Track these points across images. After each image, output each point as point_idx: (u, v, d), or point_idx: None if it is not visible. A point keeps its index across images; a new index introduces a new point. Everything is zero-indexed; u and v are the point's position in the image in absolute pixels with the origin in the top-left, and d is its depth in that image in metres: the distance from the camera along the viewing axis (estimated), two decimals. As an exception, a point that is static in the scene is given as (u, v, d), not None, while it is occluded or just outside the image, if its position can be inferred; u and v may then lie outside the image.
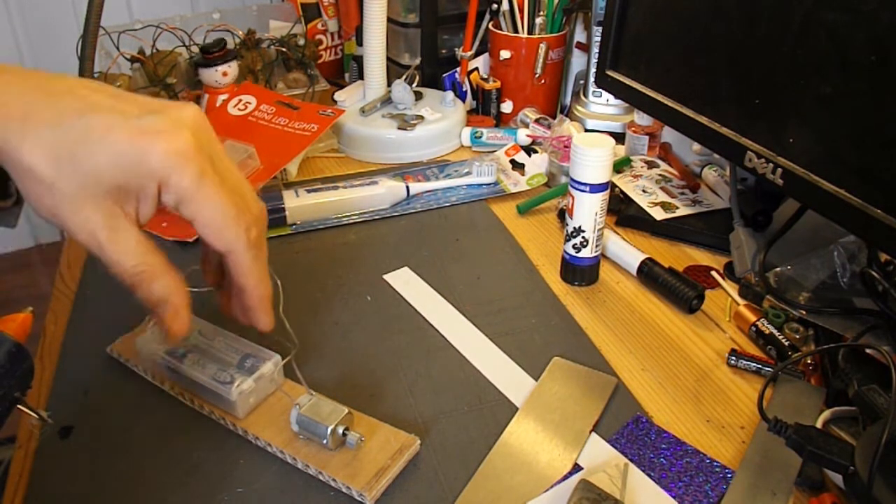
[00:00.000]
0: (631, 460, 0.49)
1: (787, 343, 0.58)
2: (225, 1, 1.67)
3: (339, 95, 0.99)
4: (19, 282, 2.09)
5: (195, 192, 0.42)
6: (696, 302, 0.64)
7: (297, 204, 0.78)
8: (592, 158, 0.62)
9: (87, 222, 0.42)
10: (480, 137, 0.96)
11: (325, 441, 0.47)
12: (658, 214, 0.77)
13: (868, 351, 0.53)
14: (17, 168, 0.40)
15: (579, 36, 1.04)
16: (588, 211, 0.65)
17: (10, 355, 0.37)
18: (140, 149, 0.40)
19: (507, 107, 1.02)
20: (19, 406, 0.39)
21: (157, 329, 0.55)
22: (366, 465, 0.47)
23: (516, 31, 0.99)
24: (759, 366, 0.57)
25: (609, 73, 0.78)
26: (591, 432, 0.51)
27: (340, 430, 0.47)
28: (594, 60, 0.94)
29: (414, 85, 0.99)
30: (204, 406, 0.52)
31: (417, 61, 1.06)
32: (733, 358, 0.58)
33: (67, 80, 0.42)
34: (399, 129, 0.92)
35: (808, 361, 0.57)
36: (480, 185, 0.86)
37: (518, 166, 0.89)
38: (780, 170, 0.58)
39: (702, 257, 0.73)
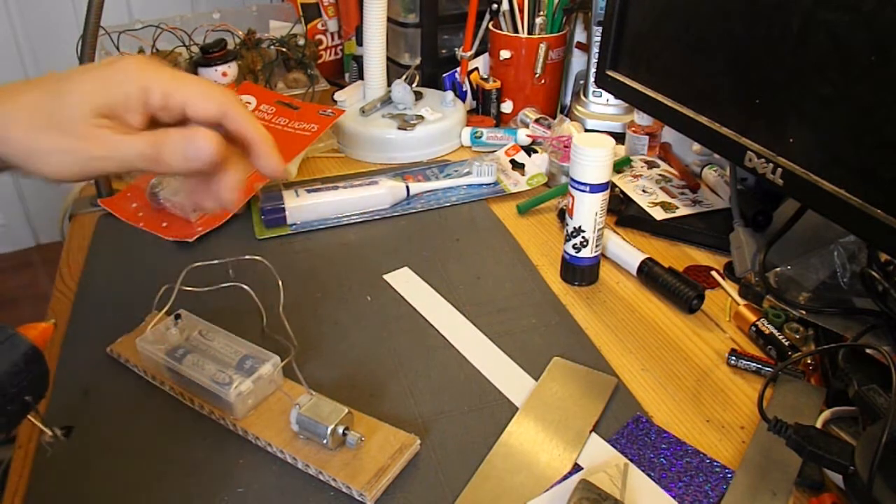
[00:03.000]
0: (631, 460, 0.49)
1: (787, 343, 0.58)
2: (225, 1, 1.67)
3: (339, 95, 0.99)
4: (19, 282, 2.08)
5: (175, 78, 0.46)
6: (696, 302, 0.64)
7: (297, 204, 0.78)
8: (592, 158, 0.62)
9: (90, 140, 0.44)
10: (480, 137, 0.96)
11: (325, 441, 0.47)
12: (658, 214, 0.77)
13: (868, 351, 0.53)
14: (17, 147, 0.43)
15: (579, 36, 1.04)
16: (588, 211, 0.65)
17: (25, 357, 0.38)
18: (115, 69, 0.45)
19: (507, 107, 1.02)
20: (31, 418, 0.40)
21: (157, 329, 0.55)
22: (366, 464, 0.47)
23: (516, 31, 0.99)
24: (759, 366, 0.57)
25: (609, 73, 0.78)
26: (591, 432, 0.51)
27: (340, 430, 0.47)
28: (594, 60, 0.94)
29: (414, 85, 0.99)
30: (204, 406, 0.52)
31: (417, 61, 1.06)
32: (733, 358, 0.58)
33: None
34: (399, 129, 0.92)
35: (808, 361, 0.57)
36: (480, 185, 0.86)
37: (518, 166, 0.89)
38: (780, 170, 0.58)
39: (702, 257, 0.73)
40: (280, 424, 0.50)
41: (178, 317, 0.56)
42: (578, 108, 1.00)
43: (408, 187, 0.83)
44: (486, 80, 1.02)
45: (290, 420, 0.49)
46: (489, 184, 0.86)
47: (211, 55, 0.93)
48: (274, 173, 0.50)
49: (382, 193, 0.81)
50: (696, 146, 0.87)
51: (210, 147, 0.47)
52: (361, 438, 0.48)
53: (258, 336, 0.60)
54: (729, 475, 0.48)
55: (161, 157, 0.46)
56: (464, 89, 1.05)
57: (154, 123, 0.47)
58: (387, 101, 0.97)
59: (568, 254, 0.68)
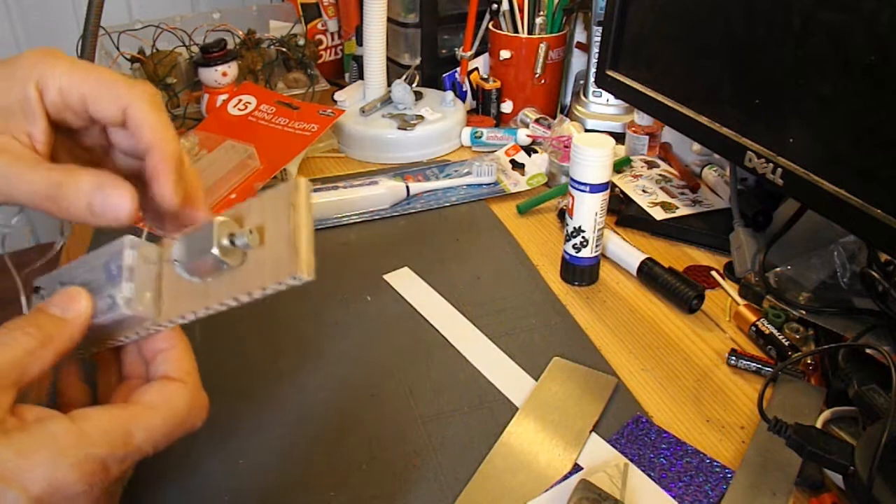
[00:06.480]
0: (631, 460, 0.49)
1: (787, 343, 0.58)
2: (225, 1, 1.67)
3: (339, 95, 0.99)
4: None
5: (71, 71, 0.38)
6: (696, 302, 0.64)
7: (297, 204, 0.77)
8: (592, 158, 0.62)
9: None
10: (480, 137, 0.96)
11: (224, 266, 0.37)
12: (658, 214, 0.77)
13: (868, 351, 0.53)
14: None
15: (579, 36, 1.04)
16: (588, 211, 0.65)
17: None
18: (11, 67, 0.37)
19: (507, 107, 1.02)
20: None
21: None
22: (277, 249, 0.36)
23: (516, 31, 0.99)
24: (759, 366, 0.57)
25: (609, 73, 0.78)
26: (591, 432, 0.51)
27: (227, 242, 0.37)
28: (594, 60, 0.94)
29: (414, 85, 0.99)
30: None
31: (417, 61, 1.06)
32: (733, 358, 0.58)
33: None
34: (399, 129, 0.92)
35: (808, 361, 0.57)
36: (480, 185, 0.86)
37: (518, 166, 0.89)
38: (780, 170, 0.58)
39: (702, 257, 0.73)
40: (186, 290, 0.40)
41: (37, 290, 0.44)
42: (578, 108, 1.00)
43: (408, 187, 0.83)
44: (486, 80, 1.02)
45: (181, 278, 0.40)
46: (489, 184, 0.86)
47: (211, 55, 0.93)
48: (163, 201, 0.41)
49: (382, 193, 0.81)
50: (696, 146, 0.87)
51: (124, 208, 0.39)
52: (251, 232, 0.37)
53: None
54: (729, 475, 0.48)
55: (60, 203, 0.38)
56: (464, 89, 1.05)
57: (65, 130, 0.40)
58: (387, 101, 0.97)
59: (568, 254, 0.68)
